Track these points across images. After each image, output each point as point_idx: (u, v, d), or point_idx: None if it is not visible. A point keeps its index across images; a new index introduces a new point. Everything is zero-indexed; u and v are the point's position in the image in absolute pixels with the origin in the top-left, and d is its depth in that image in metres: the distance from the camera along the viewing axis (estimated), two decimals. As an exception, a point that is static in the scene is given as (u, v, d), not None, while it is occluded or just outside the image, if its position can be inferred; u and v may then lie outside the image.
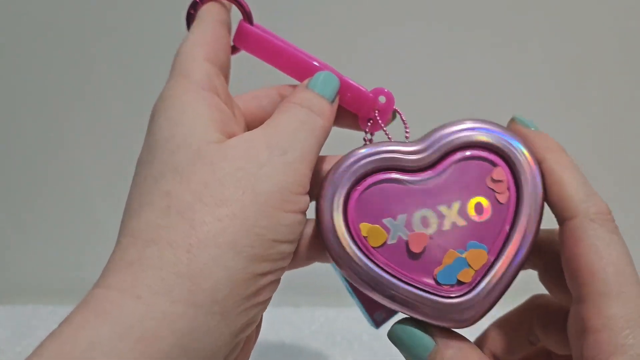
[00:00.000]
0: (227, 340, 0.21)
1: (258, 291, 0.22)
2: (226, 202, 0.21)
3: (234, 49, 0.28)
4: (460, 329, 0.25)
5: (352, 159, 0.25)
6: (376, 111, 0.27)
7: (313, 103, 0.25)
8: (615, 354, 0.21)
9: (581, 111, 0.51)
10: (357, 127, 0.28)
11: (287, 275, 0.29)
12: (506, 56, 0.49)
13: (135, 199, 0.22)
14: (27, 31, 0.47)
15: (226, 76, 0.27)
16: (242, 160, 0.22)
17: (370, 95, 0.27)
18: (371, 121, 0.27)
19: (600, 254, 0.22)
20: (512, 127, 0.26)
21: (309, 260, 0.27)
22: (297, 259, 0.26)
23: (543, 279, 0.28)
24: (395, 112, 0.28)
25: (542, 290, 0.29)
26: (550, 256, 0.27)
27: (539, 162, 0.24)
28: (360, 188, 0.25)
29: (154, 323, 0.19)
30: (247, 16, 0.27)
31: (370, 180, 0.25)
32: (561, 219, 0.24)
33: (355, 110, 0.27)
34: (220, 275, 0.21)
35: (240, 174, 0.22)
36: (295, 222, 0.23)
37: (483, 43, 0.48)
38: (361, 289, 0.25)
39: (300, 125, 0.24)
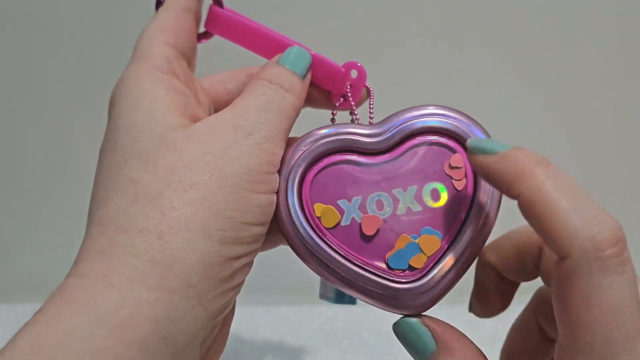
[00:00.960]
0: (204, 323, 0.21)
1: (232, 274, 0.22)
2: (195, 186, 0.21)
3: (207, 35, 0.28)
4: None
5: (310, 139, 0.24)
6: (349, 86, 0.27)
7: (283, 79, 0.24)
8: None
9: (581, 111, 0.51)
10: (331, 106, 0.28)
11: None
12: (503, 55, 0.49)
13: (101, 187, 0.22)
14: (27, 31, 0.47)
15: (190, 61, 0.27)
16: (208, 144, 0.22)
17: (342, 69, 0.26)
18: (344, 97, 0.27)
19: (591, 306, 0.18)
20: (472, 161, 0.22)
21: (275, 242, 0.27)
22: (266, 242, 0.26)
23: (543, 278, 0.27)
24: (367, 89, 0.27)
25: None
26: (548, 254, 0.26)
27: (515, 197, 0.20)
28: (316, 168, 0.24)
29: (129, 310, 0.19)
30: (217, 0, 0.27)
31: (327, 160, 0.24)
32: (557, 255, 0.20)
33: (328, 87, 0.27)
34: (193, 260, 0.21)
35: (207, 157, 0.22)
36: (266, 203, 0.23)
37: (479, 40, 0.48)
38: (312, 269, 0.24)
39: (267, 105, 0.24)
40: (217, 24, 0.27)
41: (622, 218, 0.56)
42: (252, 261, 0.23)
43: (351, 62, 0.26)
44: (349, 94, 0.27)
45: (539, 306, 0.27)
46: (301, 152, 0.24)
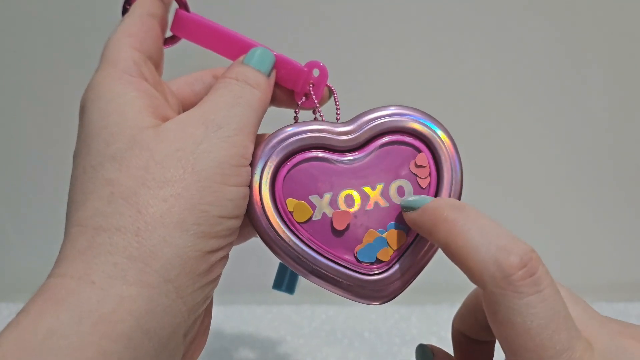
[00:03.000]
0: (184, 317, 0.22)
1: (210, 268, 0.23)
2: (168, 182, 0.22)
3: (174, 39, 0.29)
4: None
5: (282, 135, 0.25)
6: (311, 85, 0.27)
7: (249, 76, 0.25)
8: None
9: (581, 112, 0.51)
10: (294, 105, 0.29)
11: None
12: (499, 55, 0.49)
13: (78, 190, 0.23)
14: (27, 30, 0.47)
15: (158, 65, 0.28)
16: (179, 141, 0.23)
17: (305, 69, 0.27)
18: (306, 96, 0.28)
19: (515, 329, 0.20)
20: (405, 218, 0.24)
21: (247, 236, 0.28)
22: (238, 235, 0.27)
23: None
24: (329, 89, 0.28)
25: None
26: None
27: (438, 245, 0.23)
28: (289, 164, 0.25)
29: (111, 306, 0.20)
30: (183, 5, 0.28)
31: (299, 157, 0.25)
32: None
33: (291, 86, 0.27)
34: (170, 255, 0.21)
35: (179, 154, 0.22)
36: (239, 195, 0.23)
37: (475, 41, 0.48)
38: (284, 262, 0.25)
39: (235, 100, 0.24)
40: (183, 27, 0.28)
41: (623, 218, 0.56)
42: (228, 254, 0.24)
43: (313, 61, 0.27)
44: (312, 93, 0.27)
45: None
46: (274, 148, 0.25)
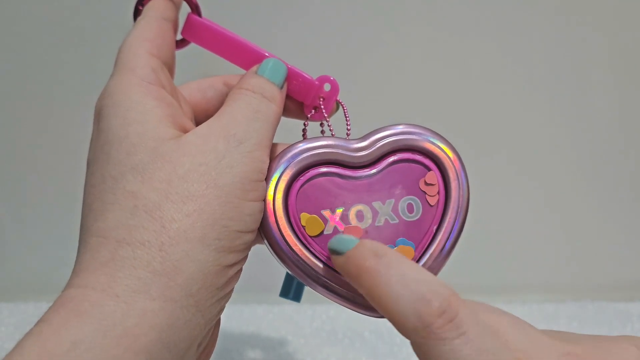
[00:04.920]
0: (202, 330, 0.22)
1: (227, 282, 0.23)
2: (191, 197, 0.22)
3: (183, 42, 0.29)
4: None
5: (296, 150, 0.26)
6: (321, 99, 0.28)
7: (265, 89, 0.25)
8: None
9: (582, 113, 0.51)
10: (302, 117, 0.29)
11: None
12: (500, 57, 0.49)
13: (97, 199, 0.23)
14: (27, 30, 0.47)
15: (171, 70, 0.27)
16: (201, 155, 0.23)
17: (316, 82, 0.27)
18: (315, 109, 0.28)
19: None
20: (333, 262, 0.23)
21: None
22: None
23: None
24: (338, 103, 0.28)
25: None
26: None
27: (365, 296, 0.22)
28: (302, 179, 0.26)
29: (134, 320, 0.20)
30: (195, 8, 0.28)
31: (312, 172, 0.26)
32: None
33: (301, 98, 0.28)
34: (193, 270, 0.21)
35: (202, 169, 0.22)
36: (257, 210, 0.24)
37: (481, 48, 0.48)
38: (295, 274, 0.26)
39: (254, 114, 0.24)
40: (194, 32, 0.28)
41: (623, 218, 0.56)
42: (242, 269, 0.24)
43: (325, 75, 0.28)
44: (322, 106, 0.28)
45: None
46: (288, 162, 0.25)
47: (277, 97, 0.25)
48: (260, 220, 0.24)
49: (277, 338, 0.50)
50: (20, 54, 0.48)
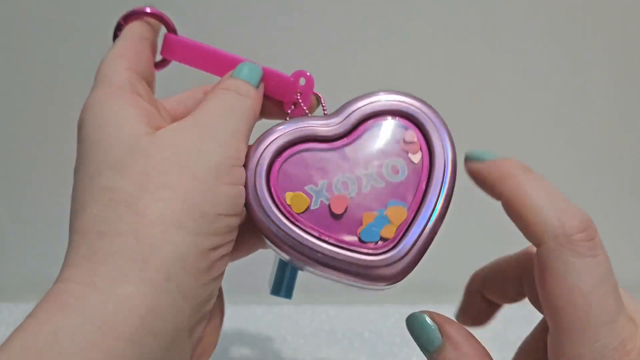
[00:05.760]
0: (188, 314, 0.22)
1: (210, 265, 0.23)
2: (167, 185, 0.22)
3: (164, 62, 0.30)
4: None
5: (271, 133, 0.26)
6: (299, 94, 0.28)
7: (239, 87, 0.26)
8: None
9: (581, 112, 0.51)
10: (284, 116, 0.30)
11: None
12: (502, 55, 0.49)
13: (77, 199, 0.23)
14: (27, 30, 0.48)
15: (150, 86, 0.29)
16: (175, 146, 0.23)
17: (291, 79, 0.28)
18: (295, 105, 0.29)
19: (568, 287, 0.21)
20: (467, 167, 0.25)
21: (253, 246, 0.29)
22: (241, 247, 0.28)
23: (530, 301, 0.28)
24: (316, 96, 0.29)
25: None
26: (528, 280, 0.27)
27: (498, 198, 0.24)
28: (280, 159, 0.26)
29: (113, 307, 0.20)
30: (171, 28, 0.30)
31: (290, 151, 0.26)
32: (534, 245, 0.22)
33: (279, 96, 0.28)
34: (169, 253, 0.22)
35: (176, 157, 0.23)
36: (235, 194, 0.24)
37: (478, 41, 0.48)
38: (288, 255, 0.25)
39: (228, 107, 0.25)
40: (172, 50, 0.29)
41: (623, 218, 0.56)
42: (229, 253, 0.25)
43: (299, 71, 0.28)
44: (300, 101, 0.28)
45: (525, 265, 0.29)
46: (264, 146, 0.26)
47: (252, 93, 0.26)
48: (241, 205, 0.24)
49: (276, 338, 0.50)
50: (20, 54, 0.49)
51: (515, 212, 0.22)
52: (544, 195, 0.22)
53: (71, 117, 0.53)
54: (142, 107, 0.25)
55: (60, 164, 0.54)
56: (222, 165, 0.24)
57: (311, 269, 0.26)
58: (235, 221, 0.24)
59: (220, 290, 0.28)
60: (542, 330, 0.29)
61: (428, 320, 0.25)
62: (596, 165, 0.52)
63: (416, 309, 0.50)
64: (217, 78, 0.28)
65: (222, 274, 0.24)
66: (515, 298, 0.29)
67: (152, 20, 0.29)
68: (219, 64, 0.28)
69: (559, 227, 0.21)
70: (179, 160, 0.23)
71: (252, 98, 0.26)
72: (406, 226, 0.25)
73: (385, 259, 0.25)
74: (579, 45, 0.49)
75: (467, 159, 0.25)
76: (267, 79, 0.28)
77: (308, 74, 0.28)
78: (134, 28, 0.28)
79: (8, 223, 0.56)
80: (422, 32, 0.48)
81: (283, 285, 0.32)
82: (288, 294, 0.32)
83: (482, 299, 0.30)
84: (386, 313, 0.52)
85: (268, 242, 0.26)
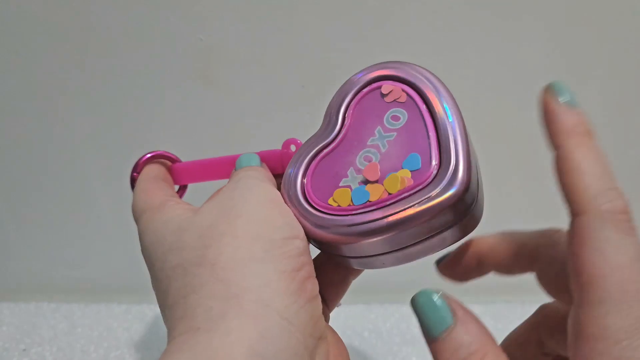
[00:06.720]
0: (299, 339, 0.22)
1: (301, 286, 0.23)
2: (223, 234, 0.24)
3: (182, 189, 0.34)
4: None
5: (290, 166, 0.28)
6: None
7: (246, 170, 0.28)
8: None
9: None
10: None
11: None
12: (502, 49, 0.49)
13: (159, 286, 0.25)
14: (27, 28, 0.48)
15: None
16: (218, 206, 0.25)
17: (283, 150, 0.30)
18: None
19: (606, 258, 0.21)
20: (544, 96, 0.24)
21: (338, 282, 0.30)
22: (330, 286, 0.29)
23: (540, 282, 0.28)
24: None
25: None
26: (545, 260, 0.27)
27: (556, 147, 0.23)
28: (308, 180, 0.27)
29: (220, 340, 0.21)
30: (173, 160, 0.34)
31: (310, 169, 0.27)
32: (572, 213, 0.22)
33: (280, 170, 0.30)
34: (257, 283, 0.22)
35: (222, 212, 0.24)
36: (287, 217, 0.25)
37: (477, 36, 0.48)
38: (368, 243, 0.25)
39: (248, 181, 0.27)
40: (181, 175, 0.34)
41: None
42: (314, 275, 0.25)
43: (288, 140, 0.30)
44: None
45: (543, 321, 0.29)
46: (291, 178, 0.27)
47: (259, 169, 0.28)
48: (298, 225, 0.25)
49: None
50: (19, 53, 0.49)
51: (567, 172, 0.22)
52: (600, 168, 0.22)
53: (71, 117, 0.53)
54: (184, 206, 0.27)
55: (60, 164, 0.54)
56: (262, 201, 0.25)
57: (389, 246, 0.25)
58: (301, 244, 0.25)
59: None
60: (535, 324, 0.29)
61: (440, 298, 0.23)
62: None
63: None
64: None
65: (317, 295, 0.24)
66: (514, 272, 0.29)
67: (159, 159, 0.33)
68: (222, 167, 0.31)
69: (606, 202, 0.21)
70: (226, 215, 0.24)
71: (261, 171, 0.28)
72: (437, 146, 0.25)
73: (444, 175, 0.24)
74: (579, 45, 0.49)
75: (549, 90, 0.24)
76: (264, 160, 0.30)
77: (299, 141, 0.30)
78: (149, 171, 0.32)
79: (9, 223, 0.56)
80: (427, 32, 0.48)
81: None
82: None
83: (476, 260, 0.30)
84: (386, 313, 0.52)
85: (343, 251, 0.26)
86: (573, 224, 0.22)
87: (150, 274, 0.26)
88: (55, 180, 0.54)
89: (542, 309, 0.29)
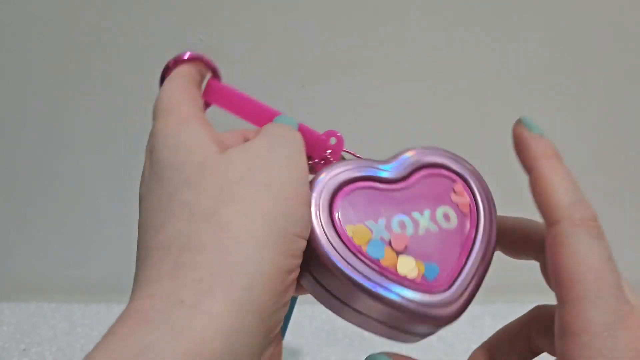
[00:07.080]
0: (262, 338, 0.22)
1: (286, 289, 0.23)
2: (245, 199, 0.22)
3: (205, 105, 0.31)
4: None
5: (333, 168, 0.27)
6: (328, 152, 0.29)
7: (287, 126, 0.27)
8: (594, 357, 0.21)
9: (582, 109, 0.51)
10: (311, 171, 0.30)
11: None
12: (502, 51, 0.49)
13: (154, 216, 0.23)
14: (27, 28, 0.48)
15: None
16: (249, 162, 0.24)
17: (323, 137, 0.29)
18: (325, 161, 0.30)
19: (581, 259, 0.23)
20: (515, 128, 0.26)
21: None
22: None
23: (543, 272, 0.28)
24: (343, 157, 0.30)
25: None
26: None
27: (529, 170, 0.25)
28: (342, 193, 0.26)
29: (201, 324, 0.20)
30: (215, 73, 0.31)
31: (351, 186, 0.27)
32: (548, 223, 0.24)
33: (309, 152, 0.29)
34: (253, 272, 0.21)
35: (251, 172, 0.23)
36: (308, 214, 0.24)
37: (477, 38, 0.48)
38: (348, 287, 0.25)
39: (285, 135, 0.26)
40: (214, 95, 0.31)
41: (623, 218, 0.56)
42: (297, 280, 0.24)
43: (331, 130, 0.29)
44: (331, 158, 0.29)
45: (536, 319, 0.29)
46: (327, 178, 0.26)
47: (298, 132, 0.27)
48: (309, 228, 0.25)
49: (276, 338, 0.50)
50: (19, 53, 0.49)
51: (541, 189, 0.24)
52: (569, 184, 0.24)
53: (71, 118, 0.53)
54: (210, 131, 0.25)
55: (60, 164, 0.54)
56: (295, 183, 0.24)
57: (360, 303, 0.26)
58: (304, 244, 0.24)
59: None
60: (528, 322, 0.29)
61: (386, 358, 0.26)
62: (596, 165, 0.52)
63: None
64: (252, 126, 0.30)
65: (289, 301, 0.24)
66: (520, 257, 0.30)
67: (199, 65, 0.30)
68: (257, 114, 0.30)
69: (577, 211, 0.23)
70: (254, 175, 0.23)
71: (301, 141, 0.27)
72: (458, 271, 0.26)
73: (444, 298, 0.25)
74: (579, 45, 0.49)
75: (520, 123, 0.26)
76: (301, 132, 0.29)
77: (339, 134, 0.29)
78: (184, 71, 0.29)
79: (9, 223, 0.56)
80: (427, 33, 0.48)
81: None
82: (282, 334, 0.32)
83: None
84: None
85: (323, 275, 0.26)
86: (549, 232, 0.24)
87: (145, 194, 0.25)
88: (55, 180, 0.54)
89: (537, 309, 0.30)
